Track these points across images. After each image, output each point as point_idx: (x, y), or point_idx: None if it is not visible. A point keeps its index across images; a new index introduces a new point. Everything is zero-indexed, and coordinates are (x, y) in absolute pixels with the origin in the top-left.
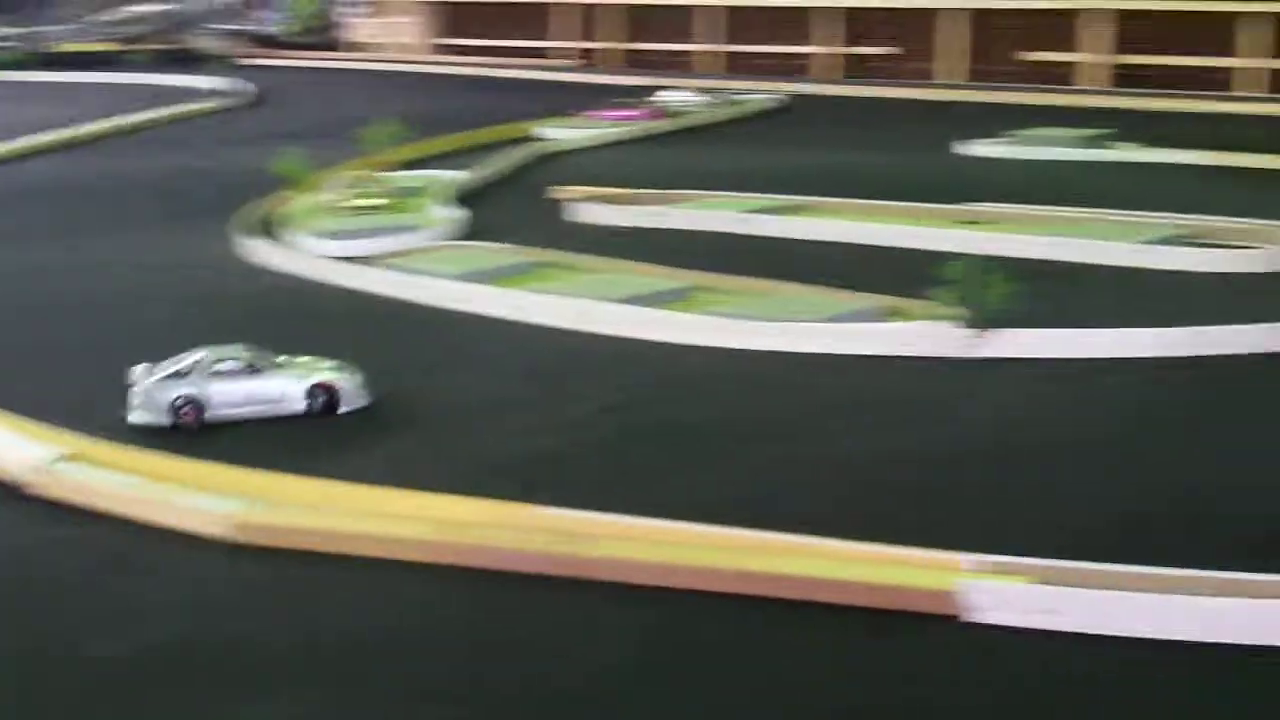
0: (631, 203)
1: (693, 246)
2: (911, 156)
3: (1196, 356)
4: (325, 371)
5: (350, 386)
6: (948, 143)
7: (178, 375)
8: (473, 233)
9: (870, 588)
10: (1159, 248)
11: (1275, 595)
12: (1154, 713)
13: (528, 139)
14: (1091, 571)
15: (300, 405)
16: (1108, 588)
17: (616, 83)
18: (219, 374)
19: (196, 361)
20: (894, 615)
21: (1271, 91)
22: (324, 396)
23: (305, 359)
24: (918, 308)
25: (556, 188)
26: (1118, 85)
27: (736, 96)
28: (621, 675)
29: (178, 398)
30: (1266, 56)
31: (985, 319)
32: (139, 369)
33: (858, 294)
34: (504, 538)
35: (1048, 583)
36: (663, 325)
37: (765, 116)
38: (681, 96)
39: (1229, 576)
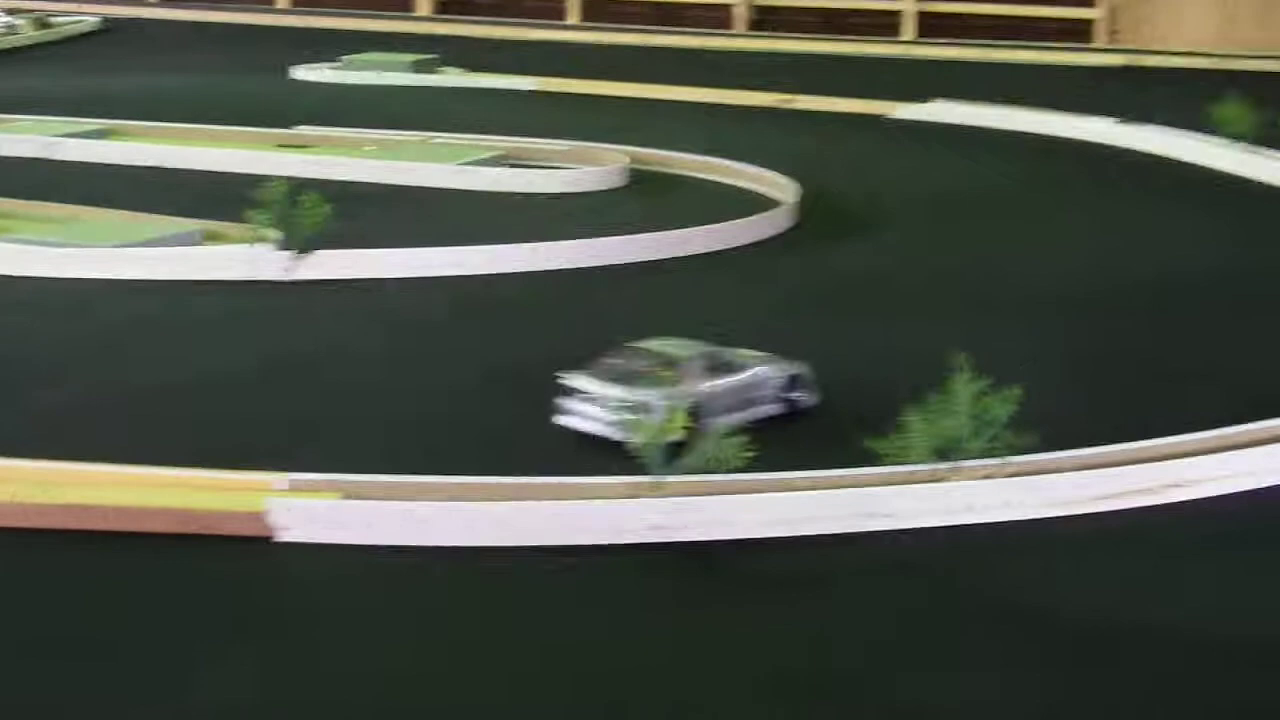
0: None
1: None
2: (244, 80)
3: (514, 274)
4: (787, 362)
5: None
6: (283, 67)
7: (676, 377)
8: None
9: (182, 514)
10: (481, 169)
11: (574, 497)
12: (464, 621)
13: None
14: (393, 485)
15: (774, 406)
16: (404, 499)
17: None
18: (707, 370)
19: (674, 356)
20: (210, 540)
21: (585, 20)
22: (799, 392)
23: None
24: (234, 231)
25: None
26: (445, 12)
27: (52, 18)
28: None
29: (694, 405)
30: None
31: (301, 242)
32: (589, 377)
33: (172, 219)
34: None
35: (350, 498)
36: None
37: (83, 38)
38: None
39: (525, 481)
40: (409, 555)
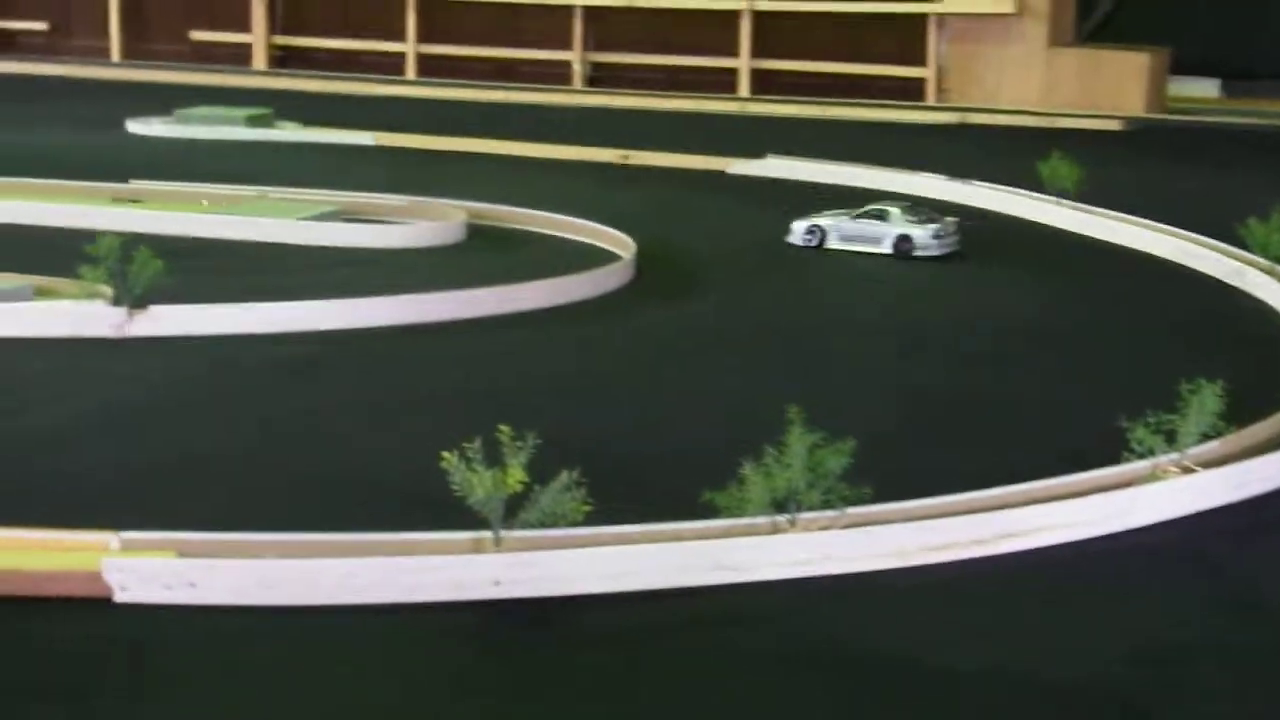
0: None
1: None
2: (77, 135)
3: (352, 329)
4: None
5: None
6: (118, 121)
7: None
8: None
9: (13, 575)
10: (317, 224)
11: (413, 552)
12: (306, 680)
13: None
14: (228, 542)
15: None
16: (242, 557)
17: None
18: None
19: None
20: (45, 601)
21: (423, 75)
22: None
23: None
24: (66, 287)
25: None
26: (279, 66)
27: None
28: None
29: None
30: (419, 42)
31: (134, 297)
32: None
33: (1, 274)
34: None
35: (186, 556)
36: None
37: None
38: None
39: (364, 538)
40: (246, 614)
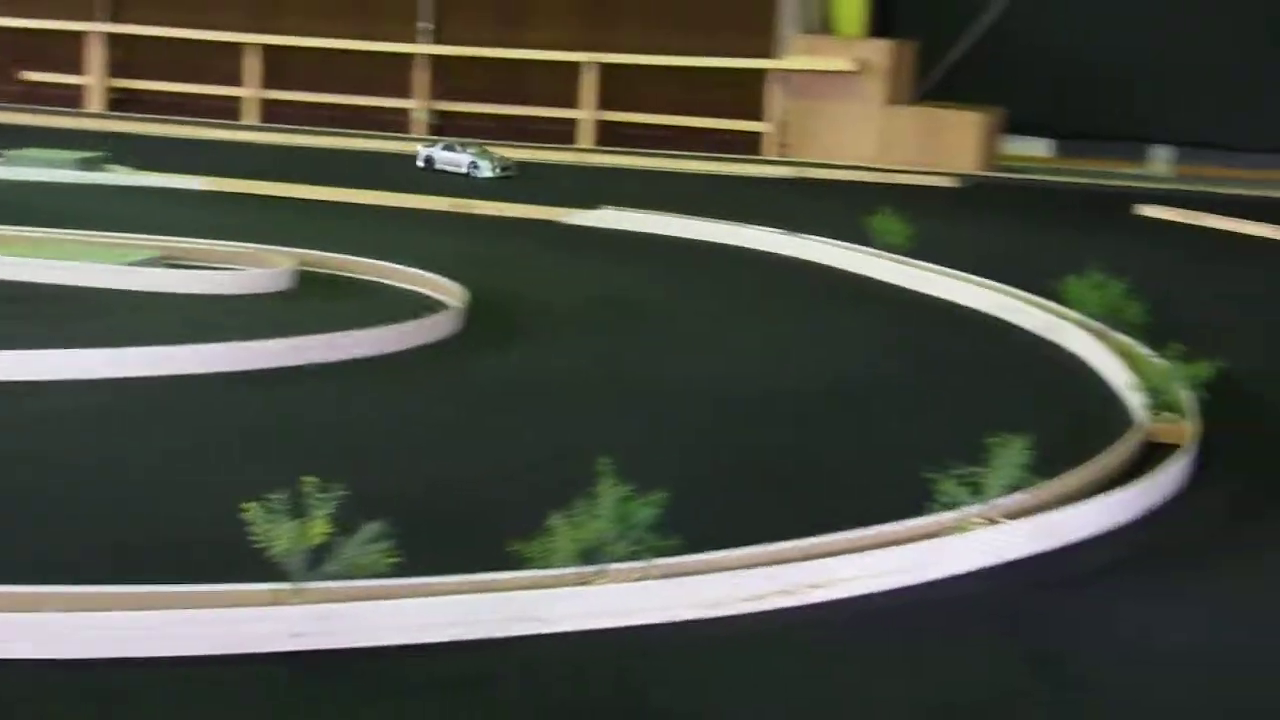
0: None
1: None
2: None
3: (167, 376)
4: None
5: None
6: None
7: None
8: None
9: None
10: (142, 270)
11: (209, 605)
12: None
13: None
14: (13, 596)
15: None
16: (27, 610)
17: None
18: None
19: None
20: None
21: (266, 120)
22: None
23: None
24: None
25: None
26: (114, 109)
27: None
28: None
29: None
30: (260, 87)
31: None
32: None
33: None
34: None
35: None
36: None
37: None
38: None
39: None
40: (30, 669)
